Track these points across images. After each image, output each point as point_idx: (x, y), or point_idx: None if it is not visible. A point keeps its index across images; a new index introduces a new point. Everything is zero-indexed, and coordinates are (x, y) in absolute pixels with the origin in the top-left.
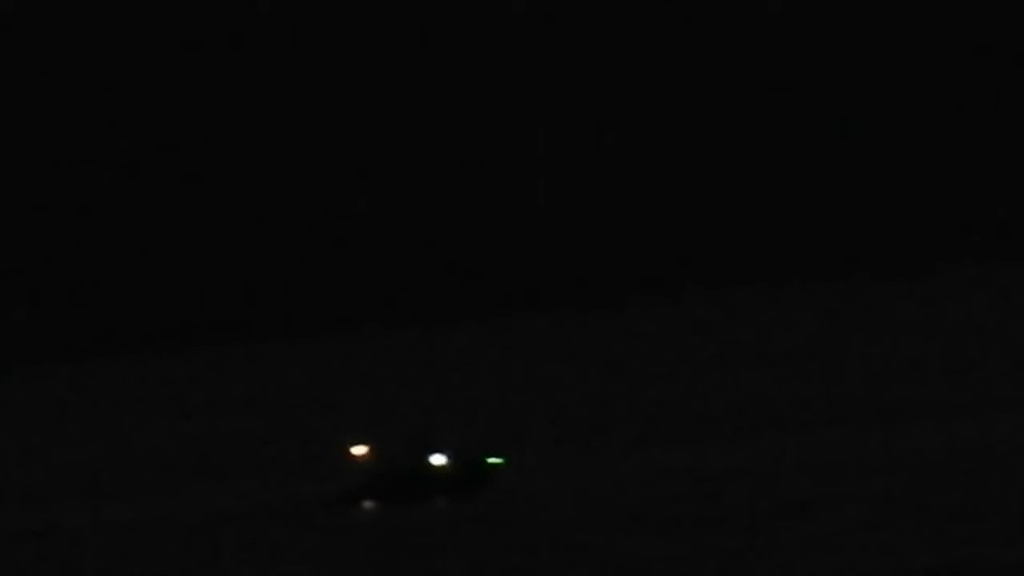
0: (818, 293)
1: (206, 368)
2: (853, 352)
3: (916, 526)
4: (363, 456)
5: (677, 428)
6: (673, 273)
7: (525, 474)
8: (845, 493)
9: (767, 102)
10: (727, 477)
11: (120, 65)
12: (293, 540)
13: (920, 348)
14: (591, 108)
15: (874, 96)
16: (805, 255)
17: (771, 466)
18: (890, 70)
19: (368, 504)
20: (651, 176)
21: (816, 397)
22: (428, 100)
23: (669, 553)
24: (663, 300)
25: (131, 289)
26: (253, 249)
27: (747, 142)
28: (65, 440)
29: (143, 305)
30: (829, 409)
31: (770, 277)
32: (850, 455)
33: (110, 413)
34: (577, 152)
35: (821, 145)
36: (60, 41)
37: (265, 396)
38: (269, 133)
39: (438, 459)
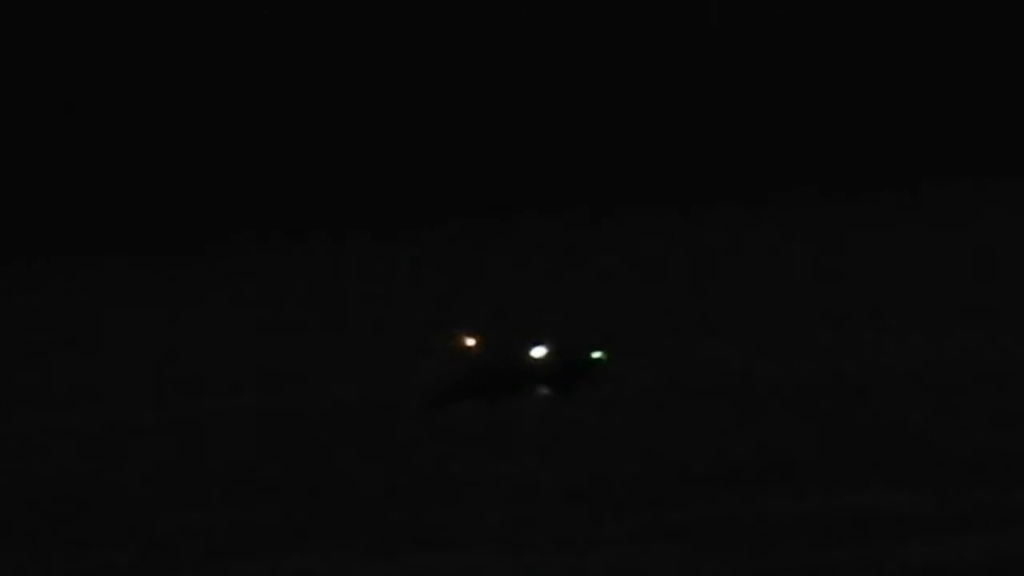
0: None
1: (304, 258)
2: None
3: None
4: (472, 347)
5: (777, 326)
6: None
7: (628, 369)
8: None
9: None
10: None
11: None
12: (395, 432)
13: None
14: None
15: None
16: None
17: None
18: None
19: (470, 398)
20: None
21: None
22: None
23: (765, 441)
24: (753, 203)
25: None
26: (343, 142)
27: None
28: (159, 332)
29: (245, 191)
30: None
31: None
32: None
33: (203, 306)
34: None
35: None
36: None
37: (371, 289)
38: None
39: (539, 352)
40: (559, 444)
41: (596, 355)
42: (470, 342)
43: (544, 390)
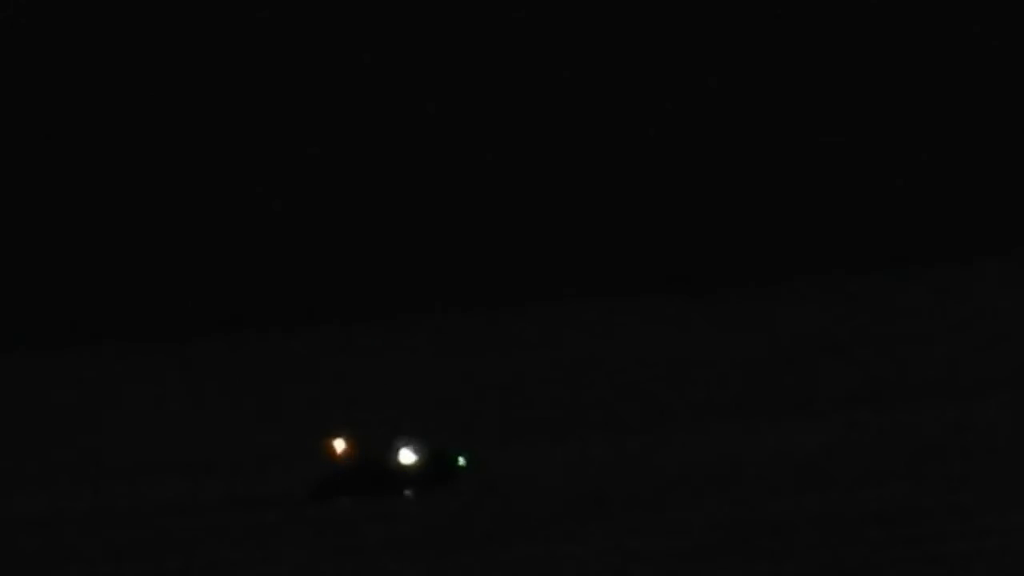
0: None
1: (185, 358)
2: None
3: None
4: (342, 452)
5: (641, 418)
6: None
7: (493, 467)
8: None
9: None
10: (687, 467)
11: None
12: (266, 532)
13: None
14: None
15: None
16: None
17: (737, 457)
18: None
19: (340, 498)
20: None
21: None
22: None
23: (632, 545)
24: (619, 296)
25: (117, 281)
26: (223, 243)
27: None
28: (45, 428)
29: (128, 297)
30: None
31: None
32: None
33: (93, 402)
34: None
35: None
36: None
37: (239, 387)
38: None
39: (407, 455)
40: (416, 546)
41: (460, 459)
42: (340, 445)
43: (409, 491)
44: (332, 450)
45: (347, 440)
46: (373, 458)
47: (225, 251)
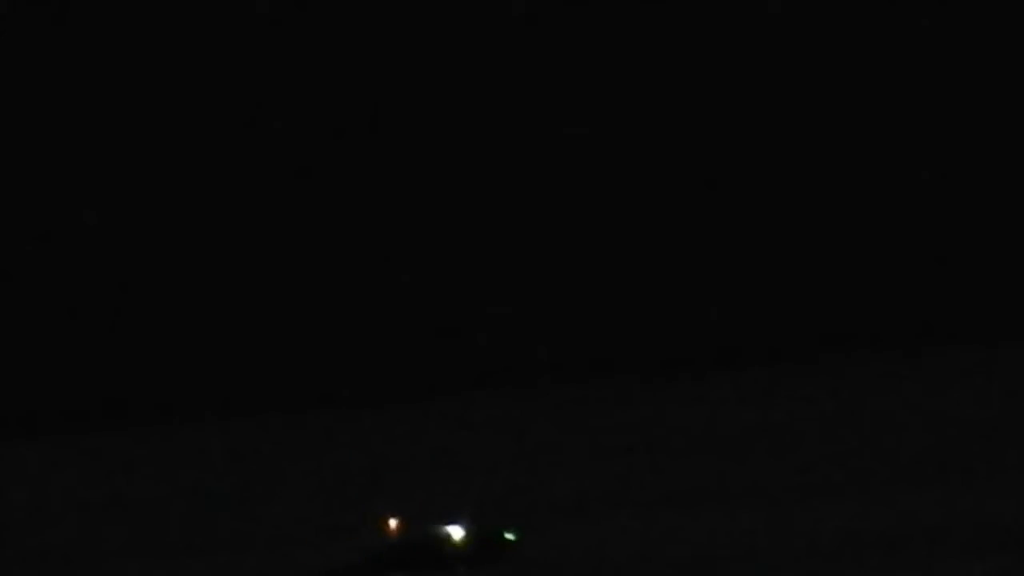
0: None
1: (241, 438)
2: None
3: None
4: (395, 528)
5: (696, 499)
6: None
7: (542, 545)
8: None
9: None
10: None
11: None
12: None
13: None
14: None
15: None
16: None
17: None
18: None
19: (393, 573)
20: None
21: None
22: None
23: None
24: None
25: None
26: (292, 319)
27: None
28: (99, 502)
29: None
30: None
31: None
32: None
33: (146, 477)
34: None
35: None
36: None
37: (295, 465)
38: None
39: (457, 531)
40: None
41: (509, 535)
42: (393, 523)
43: (462, 568)
44: (386, 528)
45: (400, 518)
46: (424, 535)
47: (289, 328)
